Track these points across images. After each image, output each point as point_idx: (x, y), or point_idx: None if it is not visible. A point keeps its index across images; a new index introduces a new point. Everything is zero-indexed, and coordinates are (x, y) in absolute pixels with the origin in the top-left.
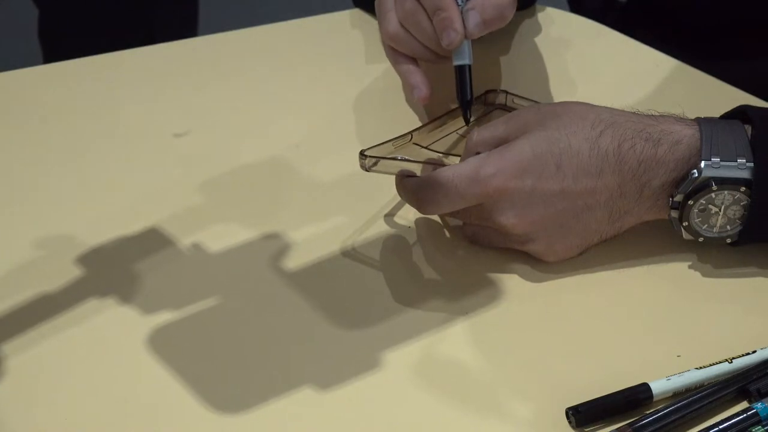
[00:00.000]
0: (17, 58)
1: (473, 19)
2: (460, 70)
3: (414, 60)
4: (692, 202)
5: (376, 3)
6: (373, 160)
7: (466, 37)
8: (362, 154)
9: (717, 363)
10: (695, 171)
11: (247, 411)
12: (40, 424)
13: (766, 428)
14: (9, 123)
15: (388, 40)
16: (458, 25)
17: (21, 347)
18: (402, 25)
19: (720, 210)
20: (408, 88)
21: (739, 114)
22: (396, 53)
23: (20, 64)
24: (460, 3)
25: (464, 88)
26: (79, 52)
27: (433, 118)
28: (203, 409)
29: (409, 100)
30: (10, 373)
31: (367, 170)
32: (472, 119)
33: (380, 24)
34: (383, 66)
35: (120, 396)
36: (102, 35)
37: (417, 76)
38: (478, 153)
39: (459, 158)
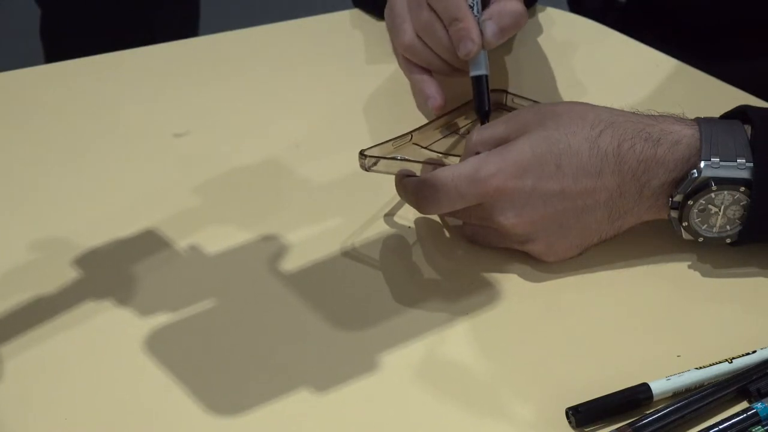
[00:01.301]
0: (19, 58)
1: (490, 28)
2: (478, 80)
3: (428, 70)
4: (692, 202)
5: (387, 13)
6: (373, 159)
7: (483, 47)
8: (362, 153)
9: (717, 363)
10: (695, 171)
11: (246, 413)
12: (38, 426)
13: (766, 428)
14: (9, 123)
15: (404, 51)
16: (475, 35)
17: (19, 349)
18: (418, 36)
19: (720, 210)
20: (422, 97)
21: (739, 114)
22: (410, 63)
23: (22, 63)
24: (476, 13)
25: (482, 98)
26: (81, 51)
27: (434, 118)
28: (202, 411)
29: (409, 101)
30: (8, 375)
31: (366, 170)
32: (471, 121)
33: (394, 34)
34: (383, 66)
35: (118, 397)
36: (104, 35)
37: (432, 86)
38: (477, 153)
39: (459, 158)
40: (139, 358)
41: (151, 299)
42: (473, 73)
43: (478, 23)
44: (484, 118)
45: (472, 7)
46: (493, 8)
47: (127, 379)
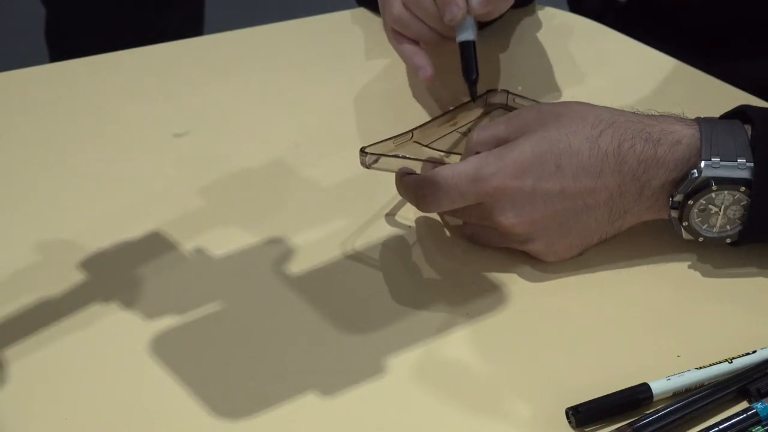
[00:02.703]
0: (24, 58)
1: None
2: (465, 46)
3: (417, 42)
4: (692, 202)
5: None
6: (374, 157)
7: (468, 12)
8: (363, 151)
9: (717, 363)
10: (695, 171)
11: (248, 414)
12: (41, 428)
13: (766, 428)
14: (11, 123)
15: (393, 23)
16: (460, 0)
17: (22, 352)
18: (406, 7)
19: (720, 210)
20: (412, 69)
21: (739, 114)
22: (399, 35)
23: (26, 63)
24: None
25: (469, 64)
26: (86, 52)
27: (435, 116)
28: (204, 413)
29: (411, 100)
30: (12, 378)
31: (367, 167)
32: (472, 121)
33: (384, 8)
34: (384, 65)
35: (122, 400)
36: (109, 35)
37: (421, 57)
38: (478, 152)
39: (459, 157)
40: (141, 361)
41: (152, 301)
42: (460, 38)
43: None
44: (472, 84)
45: None
46: None
47: (130, 382)
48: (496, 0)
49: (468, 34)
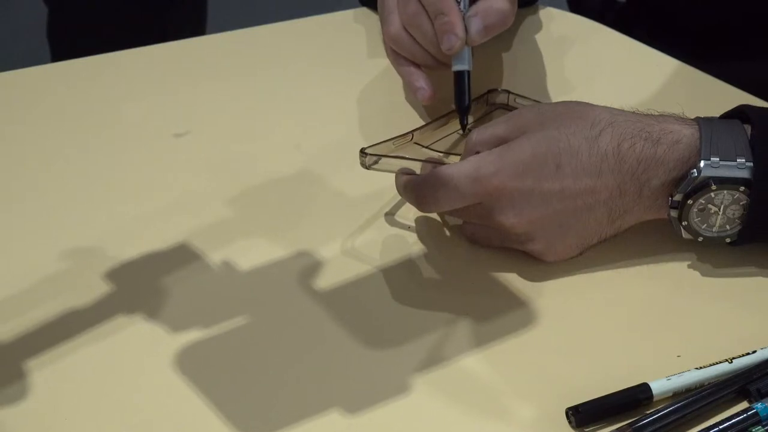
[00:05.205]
0: (26, 58)
1: (475, 25)
2: (459, 75)
3: (415, 62)
4: (691, 202)
5: (378, 3)
6: (374, 158)
7: (467, 43)
8: (363, 151)
9: (717, 363)
10: (695, 170)
11: (250, 415)
12: None
13: (766, 428)
14: (12, 123)
15: (390, 42)
16: (459, 30)
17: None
18: (404, 28)
19: (719, 209)
20: (411, 91)
21: (739, 114)
22: (398, 55)
23: (28, 63)
24: (462, 8)
25: (462, 94)
26: (88, 49)
27: (435, 118)
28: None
29: (411, 100)
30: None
31: (367, 168)
32: (473, 120)
33: (382, 25)
34: (386, 65)
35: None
36: (110, 35)
37: (420, 78)
38: (478, 152)
39: (459, 157)
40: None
41: (150, 302)
42: (455, 68)
43: (464, 19)
44: (463, 113)
45: (458, 2)
46: (480, 5)
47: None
48: (495, 29)
49: (464, 64)
